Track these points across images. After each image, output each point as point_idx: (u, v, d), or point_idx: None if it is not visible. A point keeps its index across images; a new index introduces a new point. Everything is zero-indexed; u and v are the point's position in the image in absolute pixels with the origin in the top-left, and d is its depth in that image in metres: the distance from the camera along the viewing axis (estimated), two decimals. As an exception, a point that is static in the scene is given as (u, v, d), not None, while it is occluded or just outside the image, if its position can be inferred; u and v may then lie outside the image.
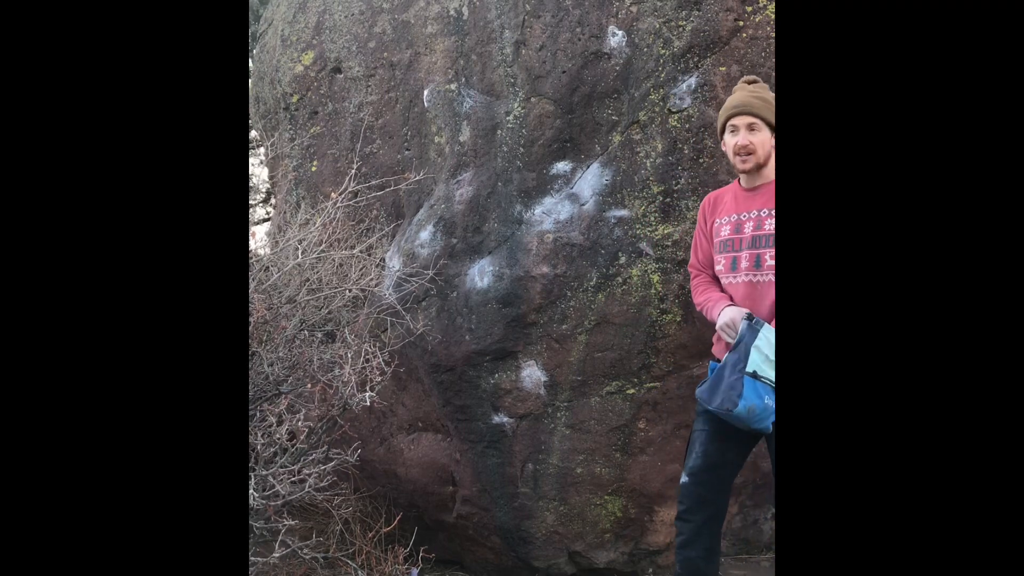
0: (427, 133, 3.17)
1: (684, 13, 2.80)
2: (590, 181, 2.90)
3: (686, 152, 2.81)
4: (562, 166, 2.94)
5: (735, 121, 2.26)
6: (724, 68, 2.78)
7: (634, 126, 2.86)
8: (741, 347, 2.12)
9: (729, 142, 2.28)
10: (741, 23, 2.78)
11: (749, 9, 2.78)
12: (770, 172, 2.27)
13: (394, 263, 3.13)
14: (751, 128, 2.24)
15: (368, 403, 2.56)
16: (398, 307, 2.99)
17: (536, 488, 2.96)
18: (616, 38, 2.85)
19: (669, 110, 2.82)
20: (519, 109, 2.94)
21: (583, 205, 2.90)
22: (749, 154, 2.24)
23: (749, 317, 2.15)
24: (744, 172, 2.29)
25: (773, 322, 2.16)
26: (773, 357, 2.09)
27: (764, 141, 2.24)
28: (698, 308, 2.41)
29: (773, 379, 2.08)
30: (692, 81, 2.80)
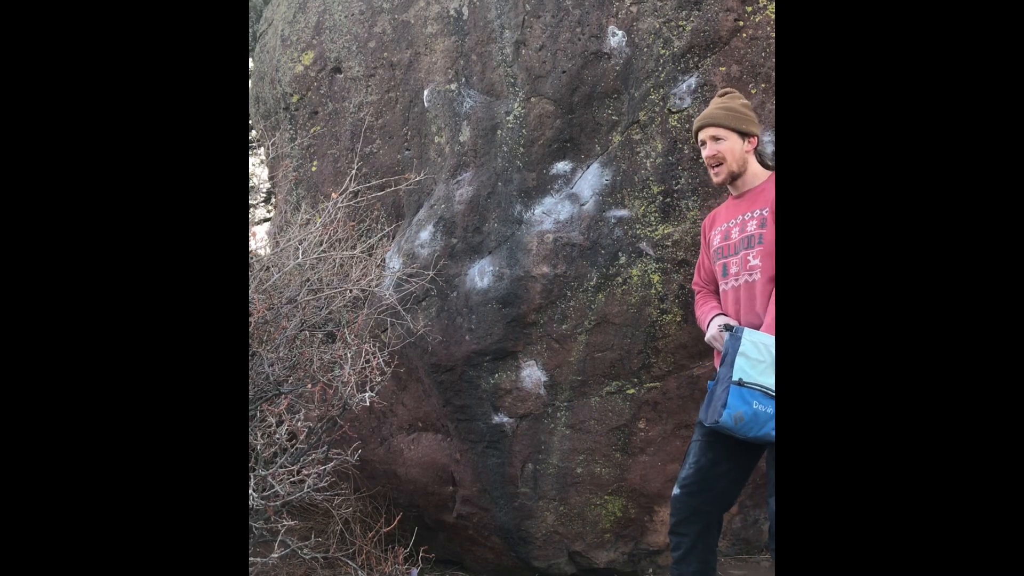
0: (427, 133, 3.17)
1: (684, 13, 2.80)
2: (590, 181, 2.90)
3: (686, 152, 2.81)
4: (562, 166, 2.94)
5: (701, 135, 2.34)
6: (724, 68, 2.78)
7: (634, 126, 2.86)
8: (728, 359, 2.13)
9: (704, 156, 2.35)
10: (741, 23, 2.78)
11: (749, 9, 2.78)
12: (753, 178, 2.32)
13: (394, 263, 3.13)
14: (715, 139, 2.30)
15: (368, 403, 2.55)
16: (398, 307, 2.99)
17: (536, 488, 2.96)
18: (616, 38, 2.85)
19: (669, 110, 2.82)
20: (519, 109, 2.94)
21: (583, 205, 2.90)
22: (719, 164, 2.30)
23: (728, 328, 2.18)
24: (719, 183, 2.36)
25: (771, 317, 2.15)
26: (765, 358, 2.08)
27: (732, 148, 2.29)
28: (698, 323, 2.46)
29: (767, 383, 2.06)
30: (692, 81, 2.80)
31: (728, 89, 2.44)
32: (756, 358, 2.08)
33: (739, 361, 2.09)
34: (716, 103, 2.36)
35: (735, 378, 2.08)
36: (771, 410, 2.05)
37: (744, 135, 2.30)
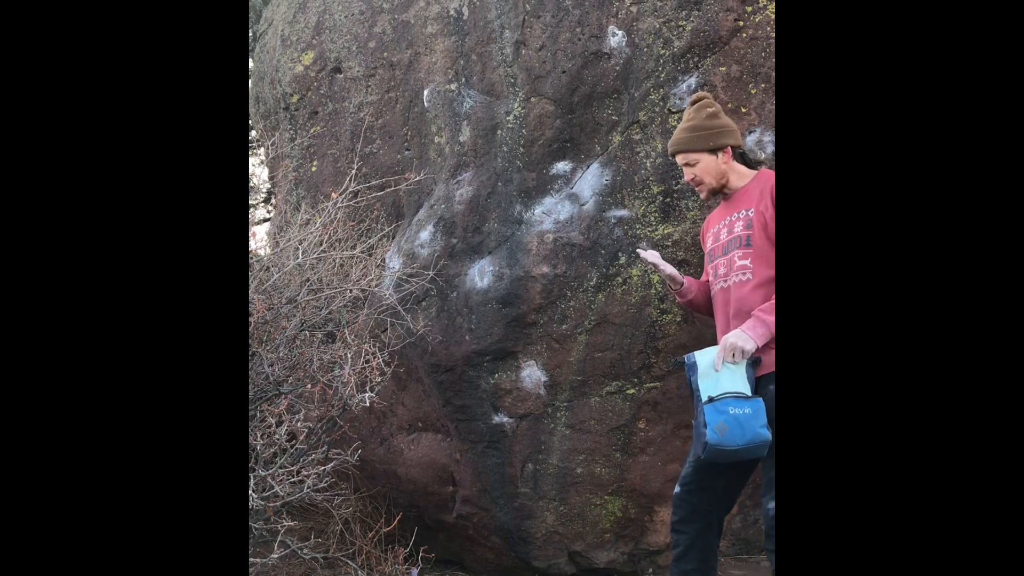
0: (427, 133, 3.17)
1: (684, 13, 2.80)
2: (590, 181, 2.90)
3: (686, 152, 2.81)
4: (562, 166, 2.94)
5: (676, 160, 2.42)
6: (724, 68, 2.78)
7: (634, 126, 2.86)
8: (692, 389, 2.20)
9: (685, 178, 2.46)
10: (741, 23, 2.78)
11: (749, 9, 2.78)
12: (738, 180, 2.37)
13: (394, 263, 3.13)
14: (688, 164, 2.37)
15: (368, 403, 2.56)
16: (398, 307, 2.99)
17: (536, 488, 2.96)
18: (616, 38, 2.85)
19: (669, 110, 2.82)
20: (519, 109, 2.94)
21: (583, 205, 2.90)
22: (699, 185, 2.38)
23: (679, 362, 2.28)
24: (705, 199, 2.44)
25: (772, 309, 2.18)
26: (721, 366, 2.13)
27: (706, 168, 2.34)
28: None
29: (732, 388, 2.10)
30: (692, 81, 2.79)
31: (698, 96, 2.45)
32: (712, 371, 2.15)
33: (701, 384, 2.15)
34: (683, 123, 2.40)
35: (703, 399, 2.13)
36: (750, 409, 2.07)
37: (715, 151, 2.33)
